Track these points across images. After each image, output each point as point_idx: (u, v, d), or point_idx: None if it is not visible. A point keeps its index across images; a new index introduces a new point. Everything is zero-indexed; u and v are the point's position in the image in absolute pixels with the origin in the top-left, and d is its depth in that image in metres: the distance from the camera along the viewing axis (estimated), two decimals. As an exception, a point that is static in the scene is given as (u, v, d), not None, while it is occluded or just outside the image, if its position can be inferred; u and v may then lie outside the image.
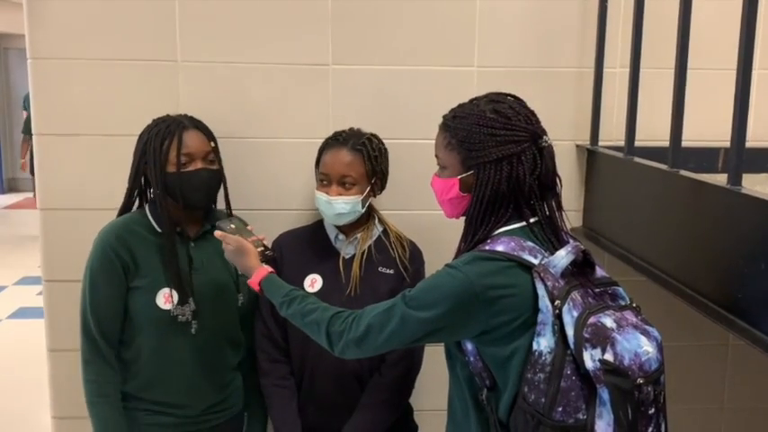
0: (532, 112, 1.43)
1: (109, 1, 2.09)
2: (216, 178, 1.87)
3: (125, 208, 1.88)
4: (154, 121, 1.86)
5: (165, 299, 1.80)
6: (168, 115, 1.87)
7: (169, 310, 1.80)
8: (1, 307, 5.77)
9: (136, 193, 1.87)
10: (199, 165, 1.82)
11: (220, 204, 1.96)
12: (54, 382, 2.22)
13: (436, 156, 1.49)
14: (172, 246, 1.81)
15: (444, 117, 1.47)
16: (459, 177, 1.42)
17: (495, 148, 1.36)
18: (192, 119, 1.87)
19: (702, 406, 2.49)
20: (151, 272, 1.81)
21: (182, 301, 1.80)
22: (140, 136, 1.85)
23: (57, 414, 2.25)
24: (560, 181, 1.44)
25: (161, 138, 1.79)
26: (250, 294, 1.94)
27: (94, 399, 1.80)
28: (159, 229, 1.83)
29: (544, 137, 1.40)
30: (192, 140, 1.81)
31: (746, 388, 2.49)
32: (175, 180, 1.79)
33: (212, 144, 1.86)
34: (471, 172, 1.40)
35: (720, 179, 1.50)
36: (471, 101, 1.45)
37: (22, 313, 5.63)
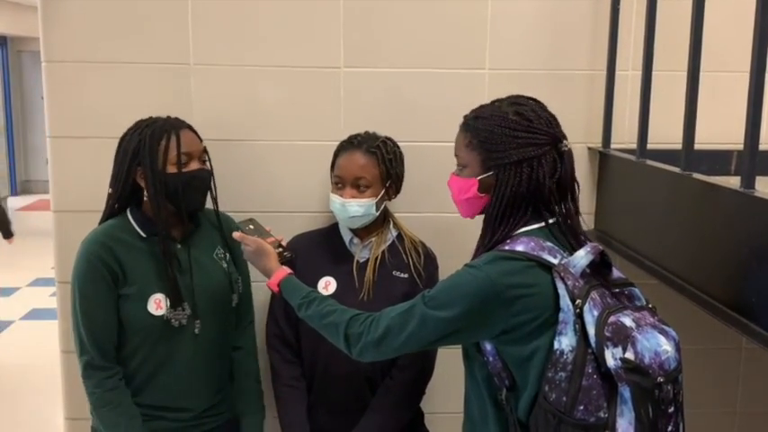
0: (553, 116, 1.43)
1: (123, 4, 2.10)
2: (209, 179, 1.83)
3: (111, 213, 1.80)
4: (136, 123, 1.78)
5: (156, 305, 1.75)
6: (150, 117, 1.80)
7: (162, 316, 1.75)
8: (14, 308, 5.82)
9: (120, 198, 1.78)
10: (196, 165, 1.77)
11: (211, 205, 1.91)
12: (67, 384, 2.23)
13: (456, 155, 1.49)
14: (167, 251, 1.74)
15: (466, 117, 1.47)
16: (478, 178, 1.42)
17: (516, 150, 1.37)
18: (179, 119, 1.80)
19: (716, 410, 2.47)
20: (140, 278, 1.75)
21: (174, 305, 1.75)
22: (124, 138, 1.77)
23: (70, 415, 2.27)
24: (578, 185, 1.45)
25: (157, 137, 1.71)
26: (243, 296, 1.94)
27: (99, 409, 1.77)
28: (144, 234, 1.77)
29: (564, 141, 1.41)
30: (188, 139, 1.76)
31: (760, 392, 2.47)
32: (177, 181, 1.72)
33: (203, 144, 1.81)
34: (491, 173, 1.40)
35: (733, 182, 1.49)
36: (493, 102, 1.46)
37: (36, 314, 5.68)
